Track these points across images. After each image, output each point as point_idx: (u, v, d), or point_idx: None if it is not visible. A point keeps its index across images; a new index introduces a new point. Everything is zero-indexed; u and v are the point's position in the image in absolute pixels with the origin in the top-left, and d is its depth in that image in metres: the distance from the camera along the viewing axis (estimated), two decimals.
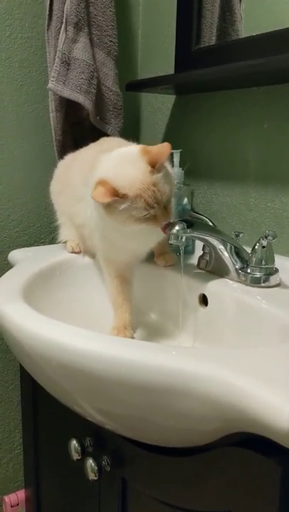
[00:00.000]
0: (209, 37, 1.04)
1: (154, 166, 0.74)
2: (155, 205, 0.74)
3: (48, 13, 1.05)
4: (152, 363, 0.52)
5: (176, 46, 1.08)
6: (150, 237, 0.84)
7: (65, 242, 1.03)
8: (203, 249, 0.90)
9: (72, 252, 1.00)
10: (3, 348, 1.23)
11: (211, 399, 0.49)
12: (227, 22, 1.01)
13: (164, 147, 0.76)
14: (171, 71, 1.11)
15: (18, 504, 1.28)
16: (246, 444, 0.50)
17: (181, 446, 0.60)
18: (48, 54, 1.09)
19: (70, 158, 1.03)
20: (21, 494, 1.29)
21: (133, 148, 0.78)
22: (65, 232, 1.02)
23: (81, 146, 1.02)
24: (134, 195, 0.73)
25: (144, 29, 1.24)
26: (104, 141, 1.00)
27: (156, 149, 0.75)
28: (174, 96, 1.16)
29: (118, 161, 0.78)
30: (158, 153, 0.75)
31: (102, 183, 0.73)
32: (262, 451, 0.48)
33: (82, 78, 1.03)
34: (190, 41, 1.05)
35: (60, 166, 1.05)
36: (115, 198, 0.73)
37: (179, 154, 1.03)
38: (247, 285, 0.82)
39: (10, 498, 1.28)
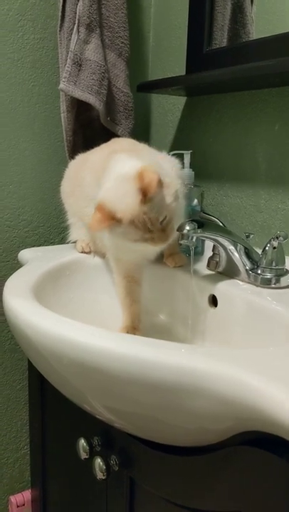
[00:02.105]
0: (220, 39, 1.04)
1: (145, 195, 0.73)
2: (147, 231, 0.74)
3: (60, 14, 1.06)
4: (166, 362, 0.52)
5: (187, 48, 1.08)
6: None
7: (74, 242, 1.03)
8: (213, 250, 0.90)
9: (82, 252, 1.00)
10: (11, 347, 1.23)
11: (224, 398, 0.48)
12: (238, 24, 1.01)
13: (151, 176, 0.72)
14: (182, 73, 1.11)
15: (24, 504, 1.28)
16: (257, 443, 0.50)
17: (190, 445, 0.60)
18: (60, 55, 1.09)
19: (81, 158, 1.03)
20: (27, 494, 1.29)
21: (132, 170, 0.75)
22: (75, 232, 1.03)
23: (92, 147, 1.02)
24: (127, 221, 0.73)
25: (156, 31, 1.24)
26: (115, 142, 1.00)
27: (148, 179, 0.72)
28: (185, 97, 1.16)
29: (117, 184, 0.77)
30: (148, 183, 0.72)
31: (99, 208, 0.74)
32: (273, 450, 0.48)
33: (93, 79, 1.03)
34: (201, 43, 1.05)
35: (70, 166, 1.06)
36: (111, 222, 0.73)
37: (189, 155, 1.04)
38: (257, 286, 0.81)
39: (16, 498, 1.28)
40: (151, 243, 0.76)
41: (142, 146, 0.93)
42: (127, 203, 0.73)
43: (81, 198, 0.96)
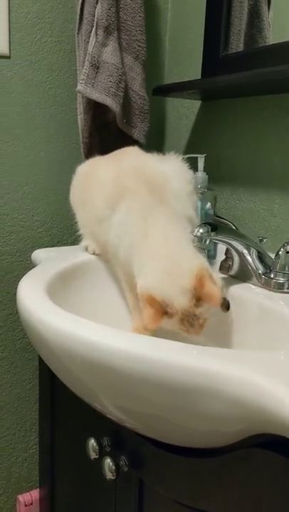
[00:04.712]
0: (237, 43, 1.04)
1: (200, 300, 0.73)
2: (189, 327, 0.74)
3: (78, 17, 1.07)
4: (178, 362, 0.52)
5: (203, 52, 1.08)
6: None
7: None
8: (225, 254, 0.90)
9: (93, 254, 1.01)
10: (22, 346, 1.24)
11: (236, 399, 0.49)
12: (255, 29, 1.02)
13: (215, 299, 0.72)
14: (198, 77, 1.12)
15: (31, 503, 1.28)
16: (269, 445, 0.50)
17: (201, 447, 0.60)
18: (77, 57, 1.10)
19: (89, 167, 1.02)
20: (35, 494, 1.29)
21: (186, 265, 0.74)
22: (87, 242, 1.03)
23: (107, 149, 1.02)
24: (178, 318, 0.73)
25: (172, 34, 1.25)
26: (122, 156, 0.97)
27: (209, 291, 0.72)
28: (200, 101, 1.17)
29: (165, 276, 0.74)
30: (209, 296, 0.72)
31: (150, 301, 0.72)
32: (285, 453, 0.48)
33: (110, 81, 1.04)
34: (218, 47, 1.06)
35: (78, 174, 1.04)
36: (164, 318, 0.72)
37: (203, 159, 1.04)
38: (270, 290, 0.81)
39: (24, 498, 1.29)
40: (185, 333, 0.75)
41: (150, 161, 0.92)
42: (180, 301, 0.72)
43: (92, 217, 0.94)
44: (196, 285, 0.72)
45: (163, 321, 0.73)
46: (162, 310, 0.73)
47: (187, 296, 0.73)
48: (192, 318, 0.73)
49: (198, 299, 0.73)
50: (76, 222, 1.05)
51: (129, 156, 0.95)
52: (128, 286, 0.89)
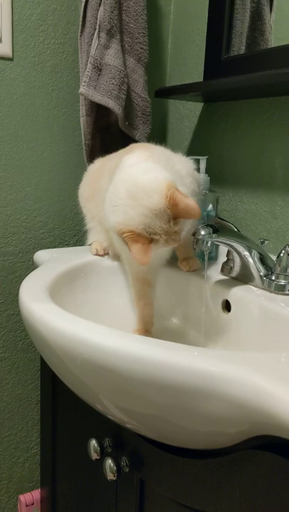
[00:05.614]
0: (239, 46, 1.05)
1: (176, 219, 0.73)
2: (171, 241, 0.75)
3: (81, 19, 1.07)
4: (179, 364, 0.52)
5: (205, 55, 1.09)
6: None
7: (90, 245, 1.04)
8: (227, 256, 0.91)
9: (96, 255, 1.01)
10: (23, 347, 1.24)
11: (236, 401, 0.49)
12: (257, 32, 1.02)
13: (195, 210, 0.72)
14: (200, 79, 1.12)
15: (33, 504, 1.29)
16: (269, 447, 0.50)
17: (202, 448, 0.60)
18: (80, 60, 1.11)
19: (100, 163, 1.04)
20: (36, 494, 1.30)
21: (155, 185, 0.73)
22: (94, 236, 1.03)
23: (110, 151, 1.03)
24: (161, 241, 0.73)
25: (174, 37, 1.25)
26: (133, 148, 0.98)
27: (186, 206, 0.72)
28: (202, 104, 1.17)
29: (139, 202, 0.72)
30: (187, 212, 0.72)
31: (134, 237, 0.71)
32: (285, 455, 0.48)
33: (112, 84, 1.05)
34: (220, 50, 1.06)
35: (89, 170, 1.06)
36: (151, 247, 0.72)
37: (205, 161, 1.04)
38: (271, 292, 0.82)
39: (25, 498, 1.29)
40: (165, 245, 0.76)
41: (158, 148, 0.93)
42: (159, 225, 0.72)
43: (101, 203, 0.95)
44: (169, 205, 0.71)
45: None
46: (148, 240, 0.72)
47: (165, 218, 0.72)
48: (173, 235, 0.73)
49: (176, 217, 0.72)
50: (79, 223, 1.06)
51: (141, 147, 0.96)
52: (133, 279, 0.90)
